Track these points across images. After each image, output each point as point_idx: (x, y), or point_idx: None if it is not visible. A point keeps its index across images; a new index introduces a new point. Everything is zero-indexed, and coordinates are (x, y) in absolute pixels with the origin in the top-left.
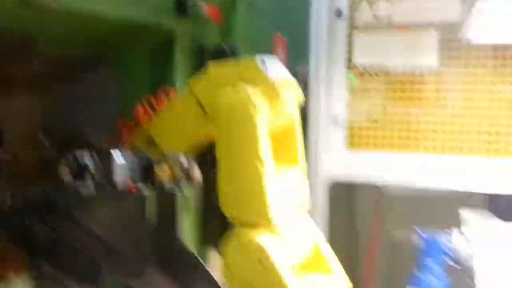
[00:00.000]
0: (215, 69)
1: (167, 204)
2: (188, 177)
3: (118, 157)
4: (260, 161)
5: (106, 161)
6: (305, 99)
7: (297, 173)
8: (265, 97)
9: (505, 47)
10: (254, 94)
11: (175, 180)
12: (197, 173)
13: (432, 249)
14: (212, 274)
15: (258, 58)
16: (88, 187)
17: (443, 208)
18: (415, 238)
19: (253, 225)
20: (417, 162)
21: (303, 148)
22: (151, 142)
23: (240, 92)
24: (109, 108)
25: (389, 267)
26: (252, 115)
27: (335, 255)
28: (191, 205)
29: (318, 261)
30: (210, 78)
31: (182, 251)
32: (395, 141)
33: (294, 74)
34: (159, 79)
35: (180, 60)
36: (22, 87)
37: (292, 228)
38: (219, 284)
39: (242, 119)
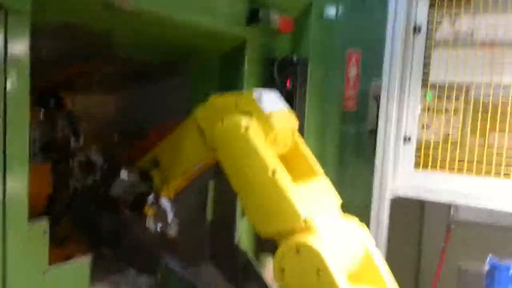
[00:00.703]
0: (216, 99)
1: (226, 207)
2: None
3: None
4: (269, 170)
5: None
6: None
7: (319, 182)
8: (260, 128)
9: None
10: (246, 120)
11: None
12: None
13: (501, 276)
14: (262, 276)
15: (256, 91)
16: None
17: None
18: (485, 266)
19: (292, 232)
20: (490, 186)
21: (315, 160)
22: (155, 163)
23: (232, 119)
24: (178, 112)
25: None
26: (244, 133)
27: (388, 267)
28: None
29: (369, 271)
30: (211, 107)
31: (237, 251)
32: (468, 164)
33: (366, 89)
34: (228, 86)
35: (249, 69)
36: (97, 86)
37: (335, 233)
38: (268, 285)
39: (237, 139)
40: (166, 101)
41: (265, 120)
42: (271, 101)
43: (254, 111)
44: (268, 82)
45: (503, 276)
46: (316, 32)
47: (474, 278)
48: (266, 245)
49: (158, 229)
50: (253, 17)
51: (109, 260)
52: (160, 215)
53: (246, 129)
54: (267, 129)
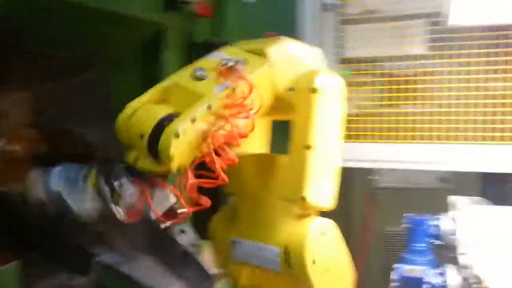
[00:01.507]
0: None
1: None
2: None
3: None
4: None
5: None
6: None
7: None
8: None
9: (492, 28)
10: None
11: None
12: None
13: (419, 230)
14: (201, 262)
15: None
16: None
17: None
18: (404, 223)
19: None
20: (407, 150)
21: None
22: None
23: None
24: (98, 103)
25: (382, 253)
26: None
27: None
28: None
29: None
30: None
31: (174, 240)
32: (387, 133)
33: None
34: (150, 74)
35: (171, 56)
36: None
37: None
38: (209, 272)
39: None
40: (84, 95)
41: None
42: None
43: None
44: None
45: (420, 230)
46: (234, 16)
47: (399, 239)
48: (203, 231)
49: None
50: (170, 2)
51: (38, 264)
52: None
53: None
54: None
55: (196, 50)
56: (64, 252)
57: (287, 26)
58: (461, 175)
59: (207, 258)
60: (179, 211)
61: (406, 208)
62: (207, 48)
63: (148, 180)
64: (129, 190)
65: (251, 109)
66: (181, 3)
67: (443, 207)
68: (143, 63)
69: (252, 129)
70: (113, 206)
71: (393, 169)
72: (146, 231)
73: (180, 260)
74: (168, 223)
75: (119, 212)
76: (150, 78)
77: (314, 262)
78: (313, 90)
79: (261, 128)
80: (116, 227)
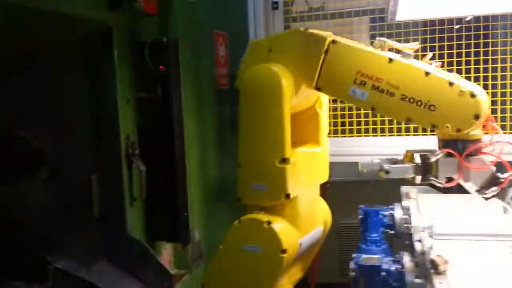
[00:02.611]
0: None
1: (113, 200)
2: None
3: None
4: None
5: None
6: None
7: (320, 154)
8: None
9: (431, 23)
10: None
11: None
12: None
13: (373, 221)
14: (160, 263)
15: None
16: None
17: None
18: (359, 214)
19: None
20: (358, 144)
21: (326, 130)
22: None
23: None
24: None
25: (337, 245)
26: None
27: None
28: (137, 196)
29: None
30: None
31: (131, 242)
32: (336, 128)
33: (237, 66)
34: (97, 74)
35: (119, 55)
36: None
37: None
38: (168, 273)
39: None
40: (30, 97)
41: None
42: None
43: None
44: (140, 67)
45: (374, 221)
46: (182, 14)
47: (352, 231)
48: (159, 232)
49: None
50: (115, 0)
51: None
52: None
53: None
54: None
55: (143, 49)
56: (19, 259)
57: (237, 24)
58: None
59: (166, 259)
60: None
61: (357, 201)
62: (155, 46)
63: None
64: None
65: None
66: (126, 1)
67: (393, 198)
68: (89, 63)
69: None
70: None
71: (344, 162)
72: (103, 235)
73: (138, 262)
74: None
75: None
76: (97, 78)
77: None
78: None
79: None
80: (71, 233)
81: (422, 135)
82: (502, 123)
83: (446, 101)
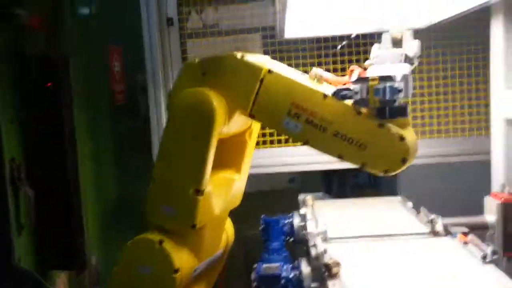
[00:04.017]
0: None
1: None
2: None
3: None
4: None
5: None
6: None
7: (238, 182)
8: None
9: (319, 40)
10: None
11: None
12: None
13: (274, 230)
14: None
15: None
16: None
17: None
18: (260, 224)
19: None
20: (260, 156)
21: (251, 159)
22: None
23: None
24: None
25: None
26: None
27: None
28: (24, 224)
29: None
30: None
31: (19, 274)
32: None
33: (135, 81)
34: None
35: (2, 69)
36: None
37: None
38: None
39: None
40: None
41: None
42: None
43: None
44: (27, 82)
45: (275, 230)
46: (73, 28)
47: (257, 242)
48: (51, 261)
49: None
50: None
51: None
52: None
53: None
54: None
55: (29, 63)
56: None
57: (132, 40)
58: (307, 175)
59: (60, 286)
60: None
61: (261, 211)
62: (43, 63)
63: None
64: None
65: None
66: (8, 15)
67: (294, 206)
68: None
69: None
70: None
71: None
72: None
73: None
74: None
75: None
76: None
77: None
78: None
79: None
80: None
81: None
82: None
83: (376, 142)
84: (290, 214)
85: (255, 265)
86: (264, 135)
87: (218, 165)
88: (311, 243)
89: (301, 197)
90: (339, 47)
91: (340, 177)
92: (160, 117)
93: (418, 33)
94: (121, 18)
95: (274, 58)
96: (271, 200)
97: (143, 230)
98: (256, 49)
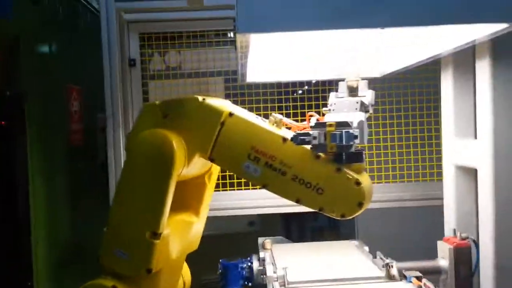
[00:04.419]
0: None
1: None
2: None
3: None
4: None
5: None
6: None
7: (196, 226)
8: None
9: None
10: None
11: None
12: None
13: (232, 274)
14: None
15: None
16: None
17: (246, 241)
18: (219, 269)
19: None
20: (219, 198)
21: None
22: None
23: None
24: None
25: None
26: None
27: None
28: None
29: None
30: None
31: None
32: None
33: (94, 121)
34: None
35: None
36: None
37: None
38: None
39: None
40: None
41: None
42: None
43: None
44: None
45: (234, 274)
46: (30, 66)
47: (215, 286)
48: None
49: None
50: None
51: None
52: None
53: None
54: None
55: None
56: None
57: (93, 80)
58: (267, 218)
59: None
60: None
61: (220, 254)
62: None
63: None
64: None
65: None
66: None
67: (254, 249)
68: None
69: None
70: None
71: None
72: None
73: None
74: None
75: None
76: None
77: None
78: None
79: None
80: None
81: None
82: None
83: (333, 186)
84: (249, 258)
85: None
86: (224, 177)
87: (176, 208)
88: (269, 287)
89: (260, 240)
90: (299, 92)
91: (300, 220)
92: (118, 158)
93: (373, 82)
94: (81, 57)
95: (236, 101)
96: (230, 243)
97: (97, 275)
98: (218, 92)
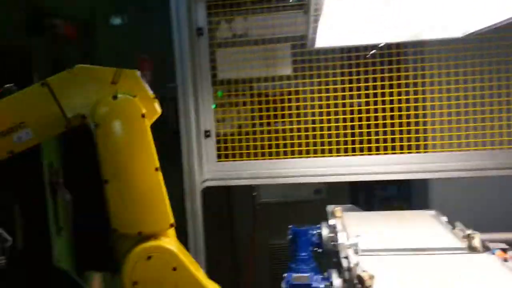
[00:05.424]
0: (84, 69)
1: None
2: None
3: None
4: (157, 168)
5: None
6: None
7: None
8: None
9: (349, 50)
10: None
11: None
12: None
13: (302, 240)
14: None
15: (137, 71)
16: None
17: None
18: (288, 234)
19: (155, 235)
20: (283, 165)
21: None
22: None
23: (129, 100)
24: None
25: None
26: (145, 124)
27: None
28: (63, 226)
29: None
30: (74, 76)
31: (57, 274)
32: (261, 150)
33: (164, 91)
34: None
35: (41, 75)
36: None
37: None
38: None
39: (131, 124)
40: None
41: (150, 102)
42: (147, 84)
43: (139, 91)
44: None
45: (303, 240)
46: (105, 38)
47: (282, 251)
48: (87, 261)
49: None
50: (35, 25)
51: None
52: None
53: (144, 115)
54: (150, 114)
55: None
56: None
57: (162, 51)
58: (333, 186)
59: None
60: None
61: (287, 221)
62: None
63: None
64: None
65: None
66: (46, 26)
67: (321, 217)
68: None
69: None
70: None
71: (272, 185)
72: (28, 267)
73: None
74: None
75: None
76: None
77: (135, 284)
78: (95, 125)
79: None
80: None
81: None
82: (416, 142)
83: None
84: (319, 225)
85: (285, 275)
86: (292, 145)
87: None
88: (342, 254)
89: (329, 208)
90: (370, 52)
91: (368, 189)
92: (190, 125)
93: (453, 42)
94: (151, 28)
95: (303, 68)
96: (296, 210)
97: None
98: (285, 59)
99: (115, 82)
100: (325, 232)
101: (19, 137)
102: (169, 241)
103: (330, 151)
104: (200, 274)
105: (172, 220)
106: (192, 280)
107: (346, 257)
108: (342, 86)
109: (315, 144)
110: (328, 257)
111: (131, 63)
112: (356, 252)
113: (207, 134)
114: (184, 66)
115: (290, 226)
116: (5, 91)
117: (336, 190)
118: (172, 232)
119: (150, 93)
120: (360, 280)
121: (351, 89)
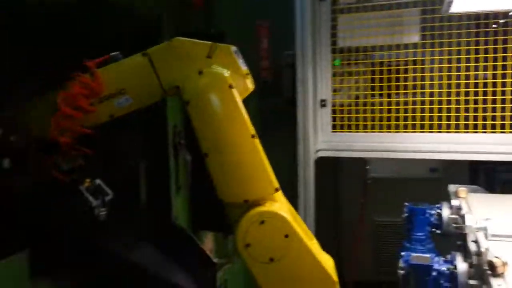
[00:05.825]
0: (181, 42)
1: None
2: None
3: None
4: (254, 135)
5: None
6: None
7: None
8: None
9: (484, 16)
10: (230, 75)
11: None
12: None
13: (419, 219)
14: (203, 249)
15: (231, 47)
16: None
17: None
18: (404, 212)
19: (262, 201)
20: (399, 139)
21: None
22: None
23: (216, 72)
24: None
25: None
26: (228, 90)
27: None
28: (182, 185)
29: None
30: (173, 49)
31: (175, 229)
32: (379, 123)
33: (278, 59)
34: None
35: None
36: None
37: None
38: (211, 261)
39: (221, 95)
40: None
41: (242, 78)
42: (242, 59)
43: (231, 66)
44: None
45: (420, 219)
46: (226, 5)
47: (388, 229)
48: (202, 221)
49: (96, 205)
50: None
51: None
52: (97, 189)
53: (231, 86)
54: (242, 90)
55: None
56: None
57: (282, 15)
58: (449, 165)
59: (208, 247)
60: None
61: (397, 198)
62: (203, 37)
63: None
64: None
65: None
66: None
67: (435, 196)
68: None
69: None
70: None
71: (385, 159)
72: (148, 219)
73: (182, 249)
74: None
75: None
76: None
77: (247, 246)
78: (186, 102)
79: None
80: (119, 216)
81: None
82: None
83: None
84: (438, 205)
85: (403, 254)
86: (414, 119)
87: None
88: (470, 238)
89: (452, 187)
90: (501, 24)
91: (489, 170)
92: (307, 93)
93: None
94: None
95: (432, 36)
96: (407, 188)
97: None
98: (412, 26)
99: (210, 56)
100: (446, 212)
101: (119, 102)
102: (281, 207)
103: (457, 126)
104: (313, 244)
105: (276, 184)
106: (303, 249)
107: (475, 241)
108: (476, 56)
109: (440, 119)
110: (446, 239)
111: (252, 30)
112: (485, 236)
113: (323, 104)
114: (305, 33)
115: (406, 204)
116: (111, 58)
117: (454, 170)
118: (279, 196)
119: (244, 68)
120: (492, 266)
121: (483, 60)
